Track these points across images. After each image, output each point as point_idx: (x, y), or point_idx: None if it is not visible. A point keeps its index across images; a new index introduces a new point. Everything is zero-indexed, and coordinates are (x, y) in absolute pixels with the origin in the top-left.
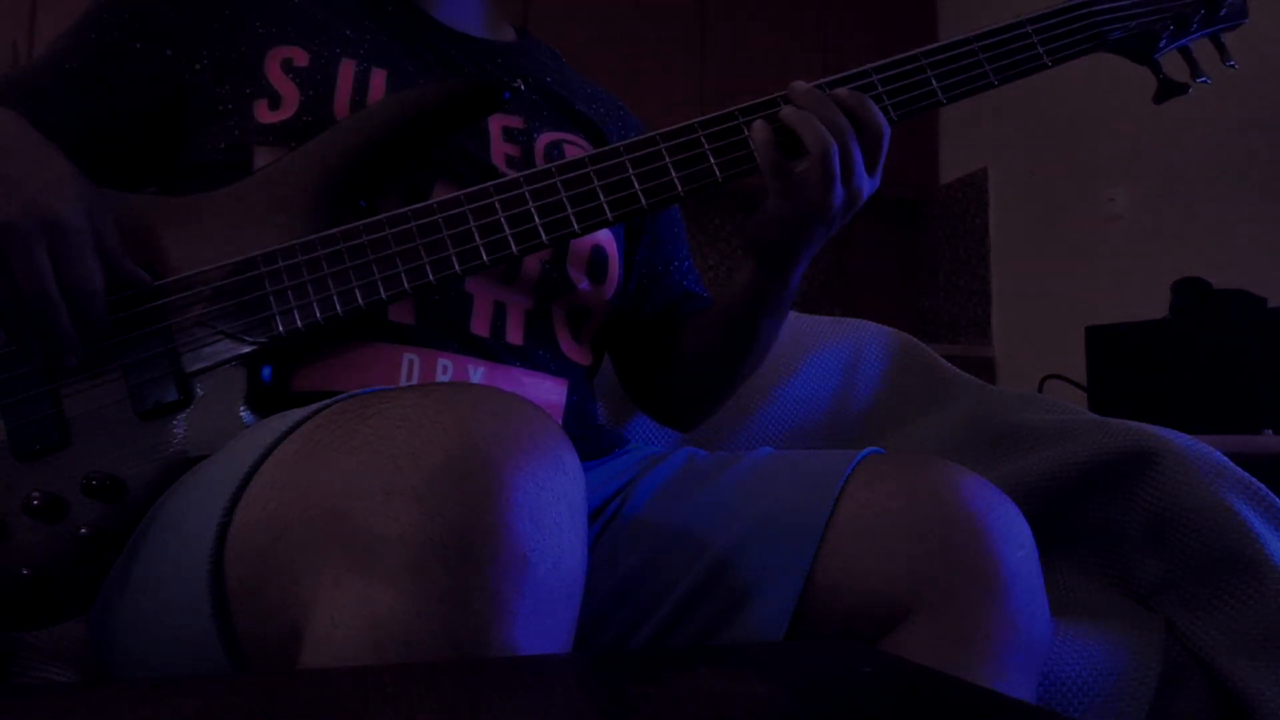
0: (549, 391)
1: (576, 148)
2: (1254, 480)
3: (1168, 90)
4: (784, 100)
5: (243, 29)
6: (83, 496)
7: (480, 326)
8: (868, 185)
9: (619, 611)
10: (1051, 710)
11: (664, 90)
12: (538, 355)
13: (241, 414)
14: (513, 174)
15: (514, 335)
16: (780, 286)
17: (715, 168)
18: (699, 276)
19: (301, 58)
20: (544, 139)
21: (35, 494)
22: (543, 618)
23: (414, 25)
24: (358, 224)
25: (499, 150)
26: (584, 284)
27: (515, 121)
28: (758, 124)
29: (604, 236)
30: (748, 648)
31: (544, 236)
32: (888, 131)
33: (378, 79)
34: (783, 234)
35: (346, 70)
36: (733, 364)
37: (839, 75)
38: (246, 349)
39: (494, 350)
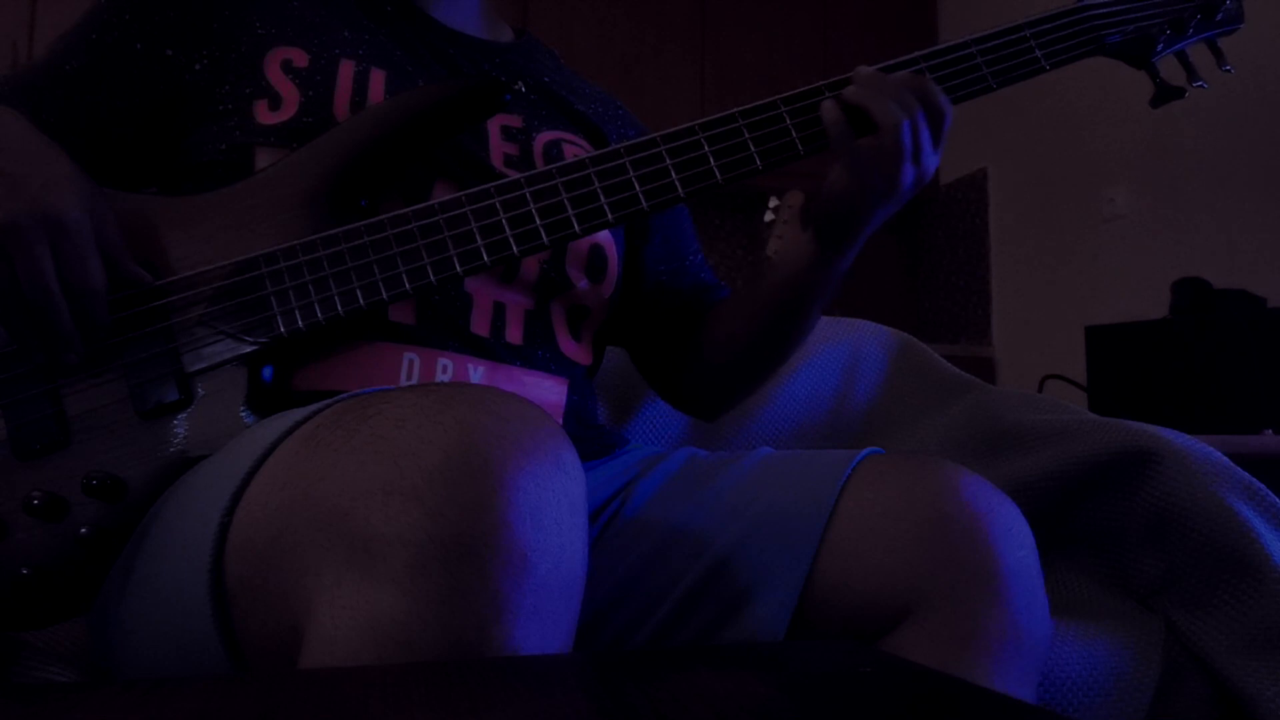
0: (549, 391)
1: (575, 147)
2: (1254, 480)
3: (1164, 95)
4: (784, 103)
5: (242, 29)
6: (83, 496)
7: (480, 326)
8: (933, 162)
9: (619, 611)
10: (1051, 710)
11: (664, 90)
12: (537, 355)
13: (242, 414)
14: (512, 173)
15: (513, 335)
16: (837, 263)
17: (716, 169)
18: (710, 268)
19: (301, 58)
20: (542, 138)
21: (35, 493)
22: (543, 617)
23: (412, 25)
24: (359, 224)
25: (498, 149)
26: (583, 283)
27: (514, 121)
28: (827, 103)
29: (603, 236)
30: (748, 648)
31: (545, 238)
32: (950, 111)
33: (377, 79)
34: (850, 209)
35: (346, 71)
36: (777, 347)
37: (835, 79)
38: (248, 348)
39: (494, 350)
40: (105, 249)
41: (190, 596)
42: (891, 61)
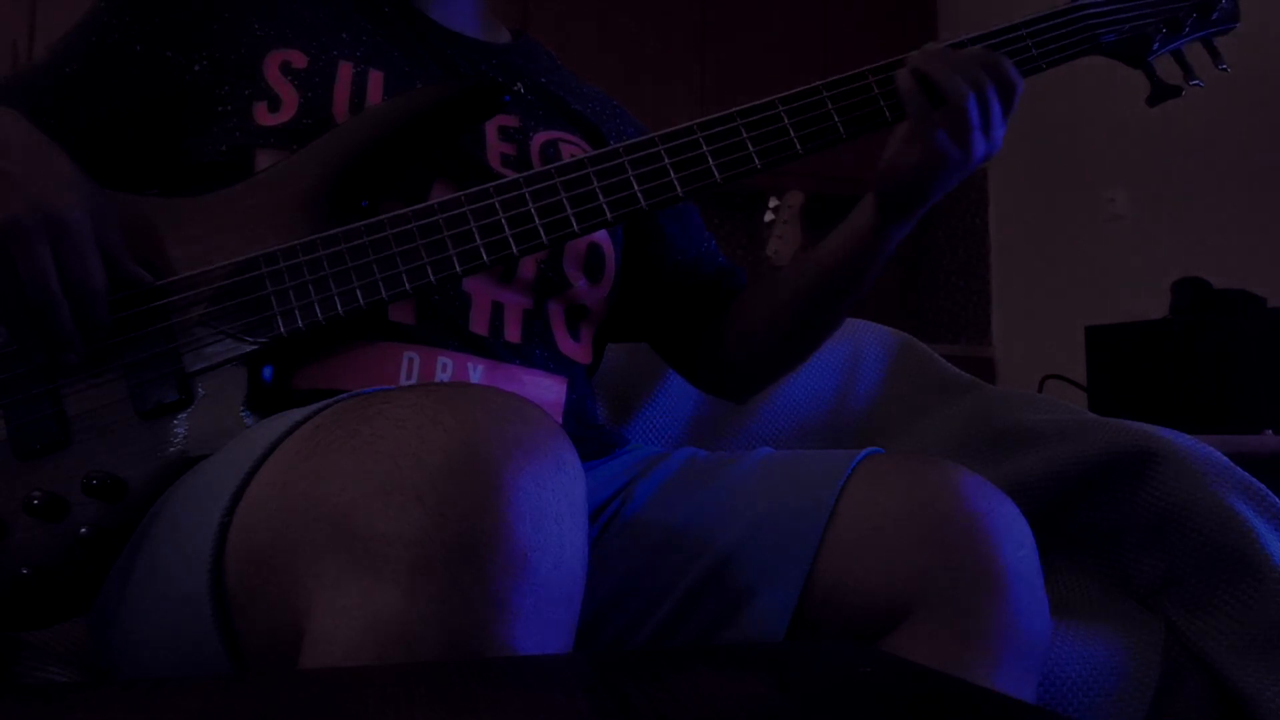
0: (548, 390)
1: (572, 147)
2: (1254, 480)
3: (1161, 93)
4: (783, 103)
5: (241, 31)
6: (83, 496)
7: (479, 325)
8: (1001, 133)
9: (619, 611)
10: (1051, 710)
11: (664, 90)
12: (535, 354)
13: (242, 414)
14: (509, 173)
15: (512, 334)
16: (895, 234)
17: (714, 169)
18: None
19: (299, 60)
20: (540, 138)
21: (36, 493)
22: (543, 617)
23: (410, 26)
24: (359, 224)
25: (494, 149)
26: (581, 282)
27: (511, 121)
28: (902, 73)
29: (600, 235)
30: (748, 648)
31: (544, 237)
32: (1020, 84)
33: (375, 80)
34: (918, 179)
35: (344, 72)
36: (824, 321)
37: (834, 79)
38: (248, 348)
39: (493, 348)
40: (106, 249)
41: (191, 596)
42: (889, 61)
